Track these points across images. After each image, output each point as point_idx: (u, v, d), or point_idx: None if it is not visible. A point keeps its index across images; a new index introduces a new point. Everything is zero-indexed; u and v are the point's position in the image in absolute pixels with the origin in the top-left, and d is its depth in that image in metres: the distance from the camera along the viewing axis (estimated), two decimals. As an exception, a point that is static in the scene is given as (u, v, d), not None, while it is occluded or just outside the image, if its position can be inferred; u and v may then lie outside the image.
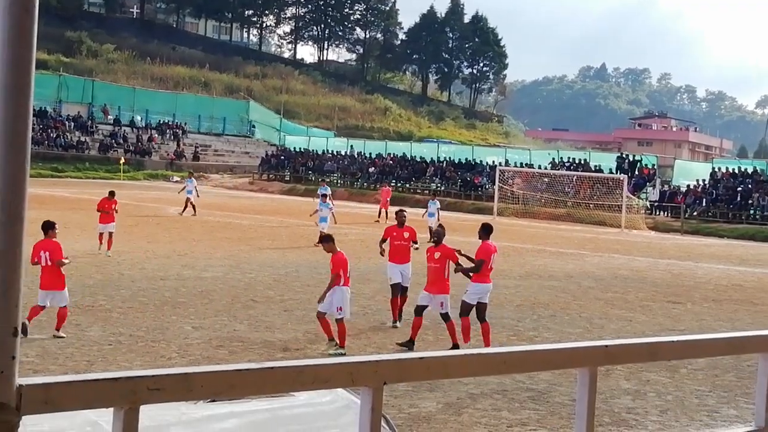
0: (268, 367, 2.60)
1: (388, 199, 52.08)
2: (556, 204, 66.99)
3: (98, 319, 18.53)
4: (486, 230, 18.23)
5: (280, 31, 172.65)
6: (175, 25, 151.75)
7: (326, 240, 17.70)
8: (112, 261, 27.32)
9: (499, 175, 67.23)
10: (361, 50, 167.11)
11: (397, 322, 19.50)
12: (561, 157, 76.77)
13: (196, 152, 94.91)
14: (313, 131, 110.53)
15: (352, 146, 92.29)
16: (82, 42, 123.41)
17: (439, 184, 77.66)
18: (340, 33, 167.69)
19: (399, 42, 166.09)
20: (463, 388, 14.40)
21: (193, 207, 45.36)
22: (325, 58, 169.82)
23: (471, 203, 71.39)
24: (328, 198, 40.08)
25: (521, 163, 75.95)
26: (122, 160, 79.87)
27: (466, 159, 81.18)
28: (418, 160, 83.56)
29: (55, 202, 46.77)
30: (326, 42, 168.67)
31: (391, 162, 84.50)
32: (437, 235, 18.71)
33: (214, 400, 4.76)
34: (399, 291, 19.88)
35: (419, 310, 18.06)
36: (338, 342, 16.88)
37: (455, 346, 17.48)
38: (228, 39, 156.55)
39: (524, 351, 3.36)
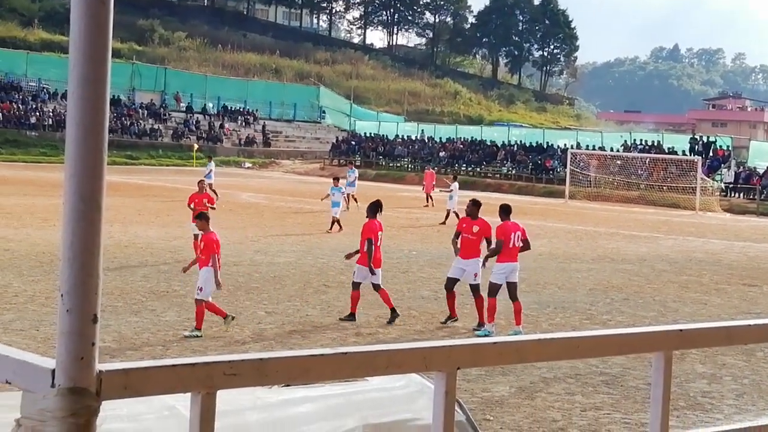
0: (342, 353, 2.62)
1: (433, 182, 51.29)
2: (629, 187, 66.36)
3: (173, 305, 18.75)
4: (505, 210, 18.27)
5: (349, 16, 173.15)
6: (245, 12, 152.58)
7: (200, 217, 17.42)
8: (186, 246, 27.58)
9: (571, 159, 66.75)
10: (431, 34, 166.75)
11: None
12: (633, 140, 75.99)
13: (267, 138, 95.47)
14: (383, 116, 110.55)
15: (422, 131, 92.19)
16: (154, 30, 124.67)
17: (510, 168, 77.35)
18: (409, 17, 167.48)
19: (469, 25, 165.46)
20: (536, 372, 14.35)
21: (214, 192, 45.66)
22: (394, 43, 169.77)
23: (542, 187, 71.05)
24: (341, 181, 38.99)
25: (593, 146, 75.33)
26: (195, 147, 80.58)
27: (537, 142, 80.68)
28: (489, 144, 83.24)
29: (129, 189, 47.37)
30: (396, 26, 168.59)
31: (461, 146, 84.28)
32: (475, 206, 18.45)
33: (288, 385, 4.79)
34: (452, 286, 18.90)
35: (450, 285, 18.05)
36: (196, 324, 16.32)
37: (480, 325, 17.84)
38: (298, 25, 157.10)
39: (599, 335, 3.34)
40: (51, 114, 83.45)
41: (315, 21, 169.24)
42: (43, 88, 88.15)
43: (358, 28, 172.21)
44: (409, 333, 17.39)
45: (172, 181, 48.05)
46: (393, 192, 57.75)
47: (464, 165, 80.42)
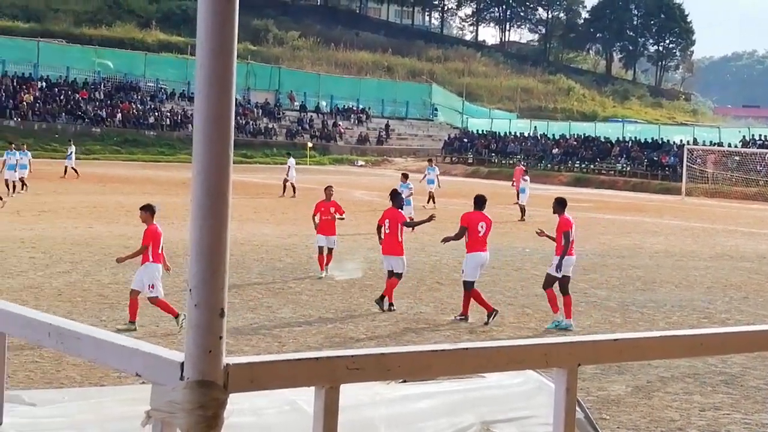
0: (463, 348, 2.62)
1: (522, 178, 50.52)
2: (748, 183, 65.02)
3: (289, 302, 18.95)
4: (561, 204, 18.23)
5: (461, 13, 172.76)
6: (358, 11, 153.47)
7: (145, 209, 16.94)
8: (301, 244, 27.84)
9: (688, 155, 65.62)
10: (544, 30, 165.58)
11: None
12: (752, 135, 74.38)
13: (380, 136, 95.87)
14: (495, 113, 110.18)
15: (535, 128, 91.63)
16: (268, 30, 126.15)
17: (624, 165, 76.38)
18: (521, 13, 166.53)
19: (582, 21, 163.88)
20: (653, 371, 14.15)
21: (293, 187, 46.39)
22: (506, 39, 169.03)
23: (658, 183, 70.03)
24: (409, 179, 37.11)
25: (710, 142, 74.02)
26: (309, 145, 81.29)
27: (653, 138, 79.54)
28: (603, 140, 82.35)
29: (245, 187, 47.99)
30: (508, 23, 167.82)
31: (574, 143, 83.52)
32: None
33: (405, 381, 4.81)
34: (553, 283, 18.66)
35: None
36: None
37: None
38: (410, 23, 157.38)
39: (721, 333, 3.28)
40: (168, 114, 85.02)
41: (427, 19, 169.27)
42: (161, 88, 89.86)
43: (470, 25, 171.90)
44: (522, 331, 17.31)
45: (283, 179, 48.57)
46: (505, 189, 57.44)
47: (578, 162, 79.71)
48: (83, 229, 28.94)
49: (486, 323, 17.60)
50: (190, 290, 2.25)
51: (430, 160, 52.68)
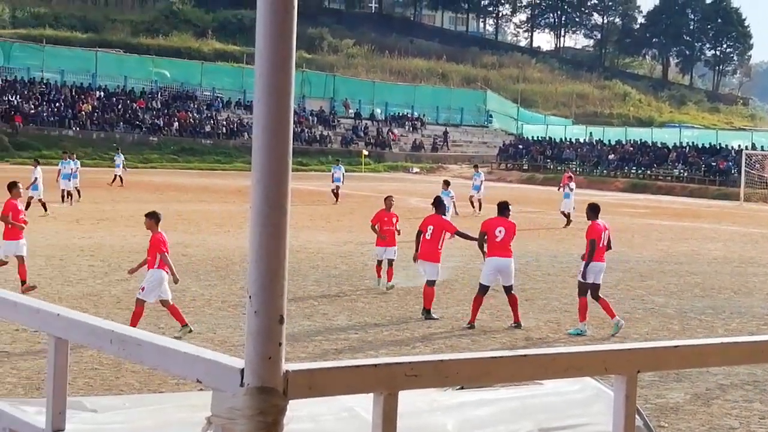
0: (522, 355, 2.62)
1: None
2: (808, 188, 64.18)
3: (344, 309, 18.99)
4: (594, 210, 18.07)
5: (516, 19, 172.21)
6: (412, 19, 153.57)
7: (150, 216, 16.65)
8: (356, 252, 27.90)
9: (746, 160, 64.89)
10: (599, 36, 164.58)
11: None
12: (813, 139, 73.45)
13: (434, 143, 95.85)
14: (550, 119, 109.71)
15: (590, 133, 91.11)
16: (323, 38, 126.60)
17: (681, 171, 75.73)
18: (577, 19, 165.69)
19: (638, 26, 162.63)
20: (712, 379, 14.01)
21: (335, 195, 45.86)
22: (561, 45, 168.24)
23: (716, 189, 69.34)
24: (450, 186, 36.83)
25: (769, 147, 73.09)
26: (364, 153, 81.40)
27: (710, 144, 78.74)
28: (660, 146, 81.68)
29: (300, 195, 48.18)
30: (563, 29, 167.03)
31: (631, 148, 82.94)
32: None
33: (462, 388, 4.81)
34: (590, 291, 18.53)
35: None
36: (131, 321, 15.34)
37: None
38: (464, 30, 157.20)
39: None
40: (225, 122, 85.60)
41: (481, 25, 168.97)
42: (217, 97, 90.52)
43: (525, 31, 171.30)
44: (578, 338, 17.20)
45: (343, 187, 48.72)
46: (561, 196, 57.13)
47: (634, 168, 79.17)
48: (141, 238, 29.12)
49: (465, 327, 17.62)
50: (250, 297, 2.28)
51: (476, 166, 52.27)
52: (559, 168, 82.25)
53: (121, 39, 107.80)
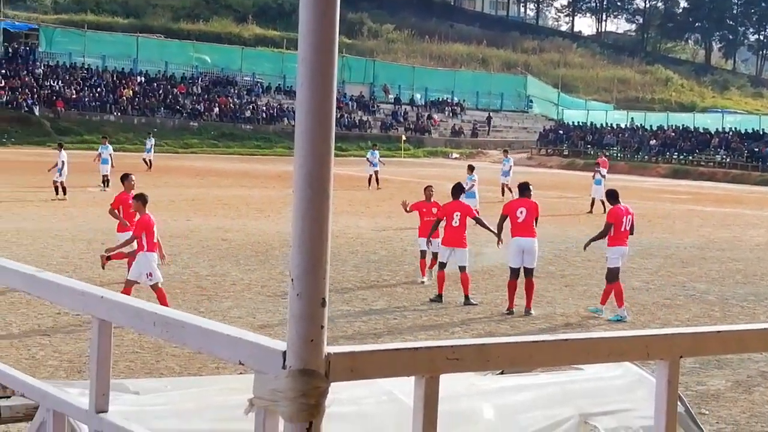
0: (564, 339, 2.62)
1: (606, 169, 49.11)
2: None
3: (383, 294, 19.02)
4: (613, 195, 18.41)
5: (557, 4, 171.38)
6: (452, 3, 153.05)
7: (137, 198, 16.39)
8: (395, 237, 27.92)
9: (789, 145, 64.30)
10: (641, 20, 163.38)
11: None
12: None
13: (474, 129, 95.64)
14: (591, 104, 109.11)
15: (632, 119, 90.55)
16: (363, 23, 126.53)
17: (723, 156, 75.13)
18: (618, 3, 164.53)
19: (680, 10, 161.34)
20: (754, 366, 13.92)
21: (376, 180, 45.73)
22: (603, 30, 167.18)
23: (758, 175, 68.80)
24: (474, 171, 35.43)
25: (813, 132, 72.35)
26: (404, 138, 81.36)
27: (753, 129, 78.04)
28: (702, 131, 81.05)
29: (340, 180, 48.20)
30: (605, 13, 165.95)
31: (672, 134, 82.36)
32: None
33: (502, 373, 4.81)
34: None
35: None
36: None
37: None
38: (505, 14, 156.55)
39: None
40: (265, 108, 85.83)
41: (522, 10, 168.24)
42: (257, 82, 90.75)
43: (566, 15, 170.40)
44: (618, 324, 17.13)
45: (382, 172, 48.71)
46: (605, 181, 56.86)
47: (676, 153, 78.63)
48: (182, 222, 29.37)
49: (504, 313, 17.62)
50: (292, 280, 2.29)
51: (505, 151, 51.73)
52: (599, 153, 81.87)
53: (162, 24, 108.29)
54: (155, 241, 16.01)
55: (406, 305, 18.06)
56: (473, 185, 33.58)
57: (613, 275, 17.67)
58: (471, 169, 35.23)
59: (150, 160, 52.06)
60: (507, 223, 18.18)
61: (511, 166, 45.20)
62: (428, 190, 21.69)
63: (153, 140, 54.82)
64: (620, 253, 17.79)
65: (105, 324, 3.06)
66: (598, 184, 39.03)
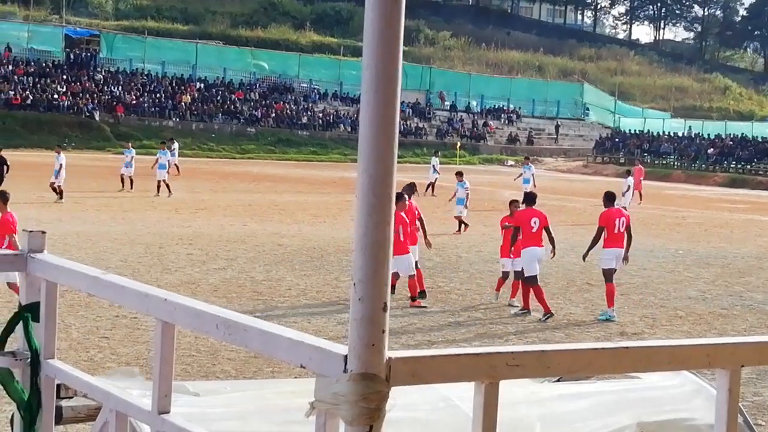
0: (624, 347, 2.62)
1: (641, 178, 48.32)
2: None
3: (438, 300, 19.02)
4: (609, 198, 18.83)
5: (614, 11, 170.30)
6: (509, 10, 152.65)
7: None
8: (450, 244, 27.91)
9: None
10: (699, 28, 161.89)
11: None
12: None
13: (530, 136, 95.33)
14: (648, 112, 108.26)
15: (689, 127, 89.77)
16: (419, 30, 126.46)
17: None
18: (677, 11, 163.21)
19: (739, 18, 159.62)
20: (813, 379, 13.74)
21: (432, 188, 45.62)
22: (661, 38, 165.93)
23: (817, 184, 67.95)
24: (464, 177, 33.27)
25: None
26: (458, 145, 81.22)
27: (813, 138, 77.10)
28: (760, 140, 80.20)
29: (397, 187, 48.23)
30: (662, 21, 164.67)
31: (730, 143, 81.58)
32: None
33: (559, 380, 4.80)
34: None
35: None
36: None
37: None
38: (562, 22, 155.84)
39: None
40: (321, 114, 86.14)
41: (579, 17, 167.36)
42: (314, 89, 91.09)
43: (624, 23, 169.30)
44: (675, 334, 16.99)
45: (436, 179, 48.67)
46: (658, 190, 56.49)
47: (733, 162, 77.80)
48: (238, 227, 29.58)
49: (541, 320, 17.63)
50: (354, 284, 2.31)
51: (526, 158, 50.90)
52: (656, 162, 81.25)
53: (220, 31, 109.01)
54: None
55: (460, 311, 18.06)
56: (466, 193, 32.29)
57: (606, 276, 18.12)
58: (460, 175, 33.28)
59: (176, 165, 52.25)
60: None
61: (533, 174, 44.61)
62: (513, 204, 19.94)
63: (177, 144, 54.85)
64: (614, 255, 18.21)
65: (168, 326, 3.11)
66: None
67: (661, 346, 2.66)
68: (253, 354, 12.84)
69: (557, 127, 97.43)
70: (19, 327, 3.80)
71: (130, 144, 44.37)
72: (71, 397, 4.16)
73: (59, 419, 4.04)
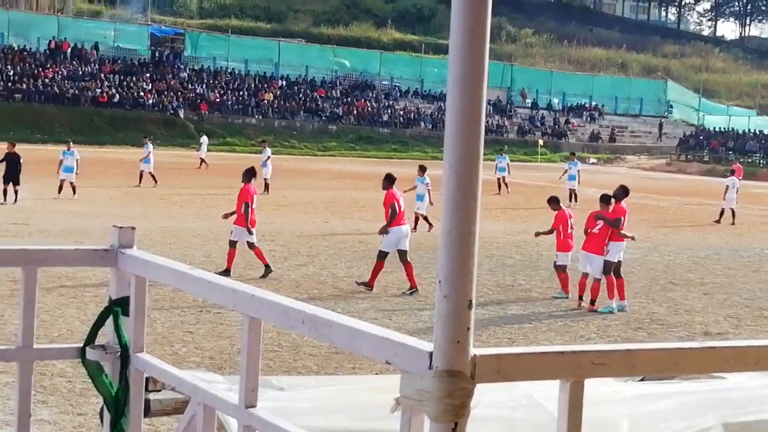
0: (711, 347, 2.60)
1: (739, 178, 46.79)
2: None
3: (518, 299, 18.95)
4: (624, 191, 19.27)
5: (699, 8, 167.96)
6: (592, 7, 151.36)
7: None
8: (531, 241, 27.72)
9: None
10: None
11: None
12: None
13: (612, 134, 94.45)
14: (733, 110, 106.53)
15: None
16: (501, 28, 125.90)
17: None
18: (763, 7, 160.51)
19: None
20: None
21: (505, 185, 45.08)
22: (746, 34, 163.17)
23: None
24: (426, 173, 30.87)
25: None
26: (540, 143, 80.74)
27: None
28: None
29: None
30: (748, 17, 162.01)
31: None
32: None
33: (643, 379, 4.76)
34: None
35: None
36: None
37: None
38: (646, 18, 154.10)
39: None
40: (402, 112, 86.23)
41: (663, 14, 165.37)
42: (395, 86, 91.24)
43: (708, 20, 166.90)
44: (760, 334, 16.74)
45: (518, 177, 48.54)
46: (744, 188, 55.52)
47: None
48: (319, 224, 29.74)
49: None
50: (440, 282, 2.32)
51: (572, 154, 49.83)
52: (741, 160, 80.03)
53: (303, 29, 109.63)
54: None
55: (541, 310, 17.97)
56: (427, 188, 30.02)
57: (608, 268, 18.18)
58: (422, 170, 31.41)
59: (203, 159, 52.51)
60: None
61: (578, 170, 43.43)
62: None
63: (206, 139, 55.05)
64: (622, 248, 18.51)
65: (255, 321, 3.15)
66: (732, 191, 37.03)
67: (748, 347, 2.64)
68: (335, 350, 12.93)
69: (660, 125, 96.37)
70: (109, 321, 3.88)
71: (147, 139, 43.01)
72: (159, 391, 4.24)
73: (147, 412, 4.12)
